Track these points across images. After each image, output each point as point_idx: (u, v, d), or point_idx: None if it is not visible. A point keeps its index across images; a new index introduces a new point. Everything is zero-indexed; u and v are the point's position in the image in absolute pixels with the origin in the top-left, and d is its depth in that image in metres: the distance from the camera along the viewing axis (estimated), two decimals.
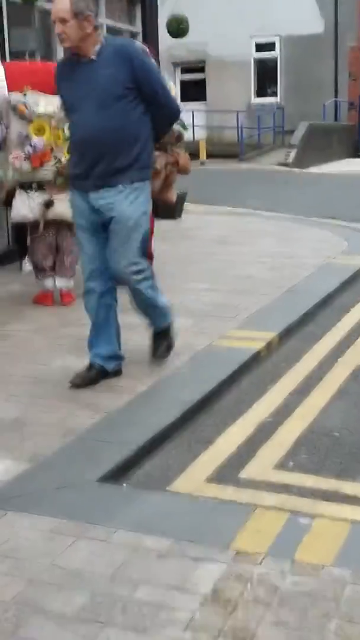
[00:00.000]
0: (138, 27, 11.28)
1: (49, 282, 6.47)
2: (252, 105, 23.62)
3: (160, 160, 6.83)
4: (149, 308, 4.75)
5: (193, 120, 20.06)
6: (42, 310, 6.29)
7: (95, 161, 4.31)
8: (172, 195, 7.50)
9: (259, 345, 5.23)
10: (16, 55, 8.34)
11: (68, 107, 4.47)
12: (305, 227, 10.29)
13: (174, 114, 4.63)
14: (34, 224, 6.27)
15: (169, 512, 3.12)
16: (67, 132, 5.93)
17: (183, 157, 7.20)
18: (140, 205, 4.40)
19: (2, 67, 6.09)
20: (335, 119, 23.27)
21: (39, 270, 6.46)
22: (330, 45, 22.72)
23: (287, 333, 5.64)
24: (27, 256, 7.87)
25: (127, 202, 4.33)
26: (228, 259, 8.23)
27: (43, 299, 6.47)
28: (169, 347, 4.89)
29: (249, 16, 22.40)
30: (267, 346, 5.27)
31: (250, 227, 10.29)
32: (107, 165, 4.29)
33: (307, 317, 6.06)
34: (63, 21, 4.11)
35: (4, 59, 8.03)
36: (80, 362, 4.89)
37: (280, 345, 5.46)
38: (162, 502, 3.26)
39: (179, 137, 7.07)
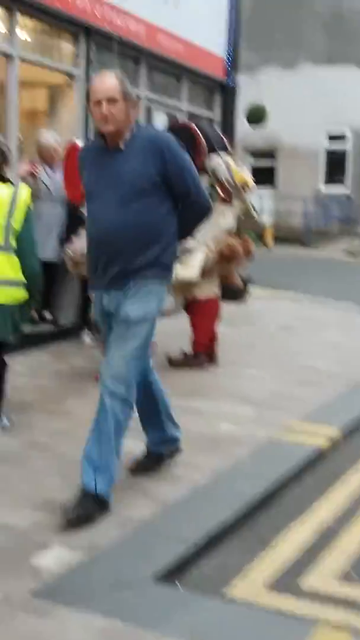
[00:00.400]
0: (217, 114, 11.56)
1: None
2: (320, 193, 23.80)
3: (239, 247, 6.89)
4: (113, 435, 3.97)
5: (261, 205, 20.27)
6: None
7: (111, 260, 3.88)
8: (238, 279, 7.53)
9: (322, 441, 5.09)
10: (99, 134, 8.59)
11: (87, 197, 4.03)
12: None
13: (205, 212, 4.16)
14: None
15: (225, 622, 2.98)
16: None
17: (246, 240, 7.27)
18: (147, 308, 3.90)
19: None
20: None
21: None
22: None
23: (351, 431, 5.49)
24: (86, 328, 7.99)
25: (133, 300, 3.88)
26: (292, 347, 8.14)
27: None
28: (88, 518, 3.77)
29: (322, 108, 22.79)
30: (330, 443, 5.12)
31: (315, 315, 10.21)
32: (124, 265, 3.86)
33: None
34: (112, 101, 3.74)
35: (88, 138, 8.28)
36: (139, 445, 4.82)
37: (344, 443, 5.31)
38: (219, 609, 3.12)
39: (258, 224, 7.17)
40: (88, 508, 3.78)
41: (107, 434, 3.92)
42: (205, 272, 6.93)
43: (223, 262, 6.97)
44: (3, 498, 4.02)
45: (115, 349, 3.90)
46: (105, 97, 3.73)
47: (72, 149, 6.32)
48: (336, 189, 23.91)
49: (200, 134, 6.83)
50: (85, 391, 6.12)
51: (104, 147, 3.90)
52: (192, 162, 4.05)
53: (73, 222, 7.36)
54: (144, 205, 3.83)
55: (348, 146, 23.74)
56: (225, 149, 7.11)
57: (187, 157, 3.99)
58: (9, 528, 3.67)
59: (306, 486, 4.58)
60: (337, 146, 23.96)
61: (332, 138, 23.93)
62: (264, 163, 22.99)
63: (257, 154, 23.10)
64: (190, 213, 4.06)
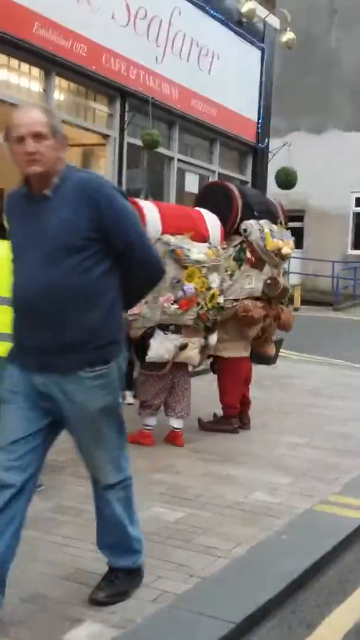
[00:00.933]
0: (248, 177, 11.59)
1: (152, 421, 6.33)
2: (349, 256, 23.76)
3: (258, 310, 6.72)
4: (117, 529, 3.54)
5: (289, 267, 20.24)
6: (133, 450, 6.01)
7: (38, 330, 3.15)
8: (271, 349, 7.36)
9: None
10: (130, 194, 8.60)
11: (13, 255, 3.26)
12: None
13: (154, 273, 3.39)
14: (158, 364, 6.19)
15: None
16: (210, 281, 6.02)
17: (286, 312, 7.09)
18: (107, 396, 3.28)
19: (155, 207, 6.11)
20: None
21: (144, 407, 6.33)
22: None
23: None
24: (127, 390, 7.84)
25: (88, 394, 3.22)
26: (325, 412, 7.92)
27: (143, 437, 6.29)
28: (121, 595, 3.50)
29: (350, 172, 22.90)
30: None
31: (346, 381, 9.99)
32: (53, 337, 3.13)
33: None
34: (39, 137, 3.03)
35: None
36: (171, 514, 4.65)
37: None
38: None
39: (284, 291, 6.97)
40: (118, 585, 3.56)
41: (116, 520, 3.52)
42: (228, 333, 6.78)
43: (241, 324, 6.82)
44: (33, 565, 3.83)
45: (92, 446, 3.41)
46: (31, 133, 3.00)
47: (133, 203, 6.28)
48: None
49: (238, 195, 6.77)
50: None
51: (29, 194, 3.18)
52: (135, 212, 3.34)
53: None
54: (74, 265, 3.08)
55: None
56: (271, 215, 6.99)
57: (128, 205, 3.23)
58: (41, 598, 3.47)
59: (348, 563, 4.34)
60: None
61: None
62: (291, 225, 23.01)
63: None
64: (135, 274, 3.28)
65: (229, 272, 6.65)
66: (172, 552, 4.10)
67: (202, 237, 6.19)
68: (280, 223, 7.05)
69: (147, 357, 6.14)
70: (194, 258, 5.98)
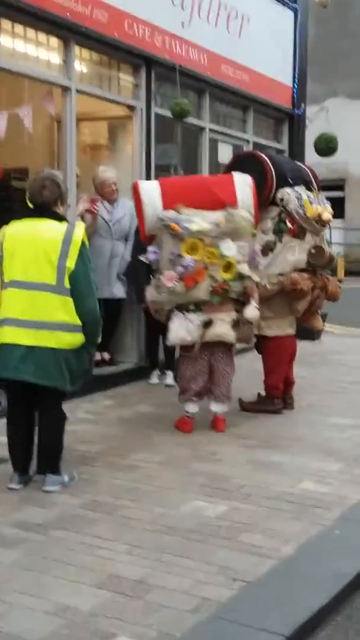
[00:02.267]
0: (285, 145, 11.08)
1: (191, 407, 5.98)
2: None
3: (306, 282, 6.33)
4: None
5: (330, 238, 19.63)
6: (172, 438, 5.75)
7: None
8: (319, 322, 6.95)
9: None
10: (160, 168, 8.21)
11: None
12: None
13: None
14: (187, 346, 5.86)
15: None
16: (222, 249, 5.60)
17: (333, 282, 6.69)
18: None
19: (158, 186, 5.86)
20: None
21: (181, 392, 6.01)
22: None
23: None
24: (157, 370, 7.53)
25: None
26: None
27: (181, 424, 5.98)
28: None
29: None
30: None
31: None
32: None
33: None
34: None
35: (149, 172, 7.91)
36: (213, 508, 4.30)
37: None
38: None
39: (331, 260, 6.57)
40: None
41: None
42: (274, 310, 6.38)
43: (290, 298, 6.41)
44: (62, 571, 3.51)
45: None
46: None
47: (134, 189, 5.93)
48: None
49: (270, 164, 6.36)
50: (151, 442, 5.63)
51: None
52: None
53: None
54: None
55: None
56: (305, 181, 6.58)
57: None
58: (70, 611, 3.15)
59: None
60: None
61: None
62: (332, 194, 22.35)
63: (324, 185, 22.48)
64: None
65: (269, 245, 6.25)
66: (214, 552, 3.76)
67: (220, 203, 5.74)
68: (315, 189, 6.62)
69: (167, 340, 5.83)
70: (194, 229, 5.57)
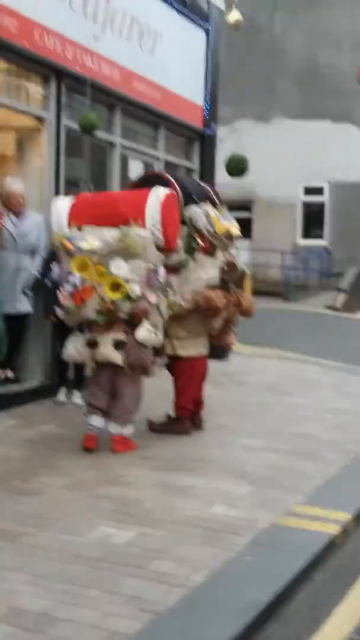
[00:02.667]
0: (195, 164, 11.07)
1: (93, 421, 5.79)
2: (298, 246, 23.45)
3: (220, 299, 6.28)
4: None
5: (238, 257, 19.85)
6: (79, 460, 5.55)
7: None
8: (232, 338, 6.90)
9: (332, 529, 4.40)
10: (70, 182, 8.03)
11: None
12: None
13: None
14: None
15: None
16: (110, 268, 5.49)
17: (247, 298, 6.66)
18: None
19: (68, 203, 5.85)
20: None
21: (87, 405, 5.93)
22: None
23: None
24: (64, 388, 7.34)
25: None
26: (284, 411, 7.48)
27: (84, 439, 5.80)
28: None
29: (298, 161, 22.55)
30: (342, 531, 4.43)
31: (303, 376, 9.58)
32: None
33: None
34: None
35: (58, 185, 7.72)
36: (121, 534, 4.13)
37: (356, 528, 4.62)
38: None
39: (243, 275, 6.55)
40: None
41: None
42: (188, 330, 6.30)
43: (203, 316, 6.34)
44: None
45: None
46: None
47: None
48: (314, 242, 23.58)
49: (176, 184, 6.30)
50: (57, 464, 5.42)
51: None
52: None
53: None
54: None
55: (325, 199, 23.50)
56: (208, 199, 6.55)
57: None
58: None
59: (319, 586, 3.89)
60: (314, 199, 23.70)
61: (309, 191, 23.68)
62: (240, 215, 22.60)
63: (233, 206, 22.71)
64: None
65: (182, 264, 6.16)
66: (123, 581, 3.59)
67: (123, 220, 5.63)
68: (220, 206, 6.61)
69: (64, 355, 5.90)
70: (84, 247, 5.53)
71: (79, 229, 5.65)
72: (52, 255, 7.14)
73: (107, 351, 5.67)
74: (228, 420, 6.96)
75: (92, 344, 5.67)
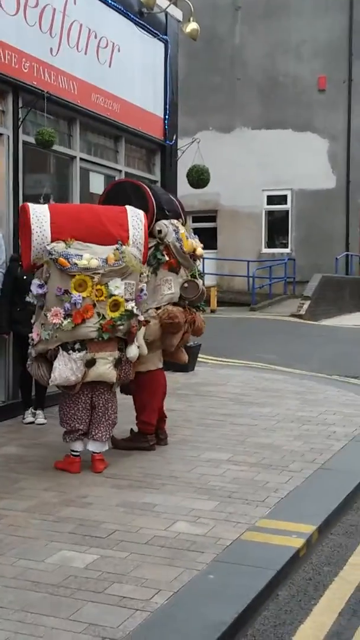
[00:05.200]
0: (157, 176, 11.05)
1: (78, 446, 5.74)
2: (263, 255, 23.53)
3: (182, 316, 6.25)
4: None
5: (203, 268, 19.85)
6: (40, 482, 5.45)
7: None
8: (185, 356, 6.84)
9: (296, 542, 4.36)
10: (31, 198, 7.94)
11: None
12: (328, 387, 9.57)
13: None
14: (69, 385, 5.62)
15: None
16: (110, 288, 5.44)
17: (198, 317, 6.60)
18: None
19: (48, 212, 5.56)
20: (347, 272, 23.10)
21: (67, 431, 5.75)
22: (341, 201, 22.81)
23: (326, 525, 4.79)
24: (30, 408, 7.22)
25: None
26: (248, 422, 7.45)
27: (69, 464, 5.71)
28: None
29: (262, 170, 22.69)
30: (305, 543, 4.40)
31: (268, 385, 9.57)
32: None
33: (346, 504, 5.23)
34: None
35: (17, 201, 7.63)
36: (81, 557, 4.06)
37: (320, 541, 4.60)
38: None
39: (202, 294, 6.50)
40: None
41: None
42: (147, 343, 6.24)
43: (165, 332, 6.29)
44: None
45: None
46: None
47: (22, 211, 5.64)
48: (279, 250, 23.69)
49: (151, 195, 6.25)
50: (18, 487, 5.32)
51: None
52: None
53: (18, 293, 6.72)
54: None
55: (288, 207, 23.62)
56: (177, 215, 6.51)
57: None
58: None
59: (283, 602, 3.85)
60: (277, 207, 23.82)
61: (272, 199, 23.80)
62: (204, 225, 22.64)
63: (196, 216, 22.76)
64: None
65: (145, 279, 6.10)
66: (82, 607, 3.52)
67: (112, 238, 5.62)
68: (183, 223, 6.57)
69: (51, 379, 5.53)
70: (82, 265, 5.40)
71: (66, 243, 5.47)
72: (9, 271, 7.07)
73: (104, 369, 5.59)
74: (192, 434, 6.92)
75: (91, 363, 5.53)
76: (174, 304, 6.29)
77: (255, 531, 4.51)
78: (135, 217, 5.79)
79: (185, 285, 6.35)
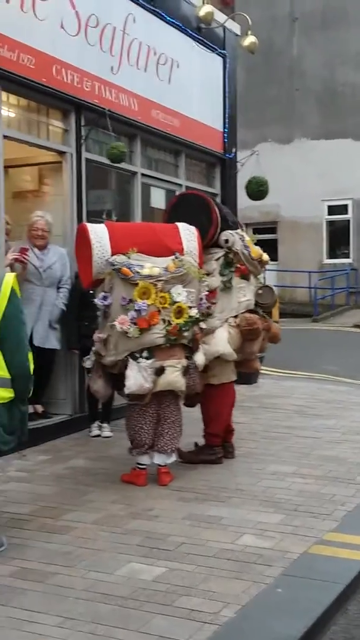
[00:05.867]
0: (217, 189, 11.10)
1: (145, 459, 5.80)
2: (325, 265, 23.35)
3: (259, 322, 6.28)
4: None
5: (265, 280, 19.81)
6: (108, 494, 5.52)
7: None
8: (258, 364, 6.88)
9: None
10: (93, 214, 8.08)
11: None
12: None
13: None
14: (138, 395, 5.66)
15: None
16: (173, 294, 5.54)
17: (273, 324, 6.63)
18: None
19: (105, 229, 5.75)
20: None
21: (135, 445, 5.80)
22: None
23: None
24: (96, 421, 7.32)
25: None
26: (313, 434, 7.39)
27: (135, 477, 5.77)
28: None
29: (321, 180, 22.52)
30: None
31: (332, 397, 9.48)
32: None
33: None
34: None
35: (81, 218, 7.76)
36: (150, 570, 4.10)
37: None
38: None
39: (274, 302, 6.56)
40: None
41: None
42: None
43: (244, 340, 6.32)
44: None
45: None
46: None
47: (81, 230, 5.81)
48: (340, 260, 23.47)
49: (215, 207, 6.33)
50: (86, 499, 5.40)
51: None
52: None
53: (85, 308, 6.81)
54: None
55: (349, 217, 23.40)
56: (237, 226, 6.59)
57: None
58: None
59: (353, 617, 3.81)
60: (338, 217, 23.62)
61: (333, 209, 23.62)
62: (265, 237, 22.59)
63: (256, 227, 22.74)
64: None
65: (221, 286, 6.18)
66: (151, 620, 3.55)
67: (168, 250, 5.74)
68: (246, 233, 6.67)
69: (126, 388, 5.59)
70: (145, 273, 5.51)
71: (126, 254, 5.58)
72: (75, 287, 7.20)
73: (173, 378, 5.64)
74: (257, 446, 6.90)
75: (160, 372, 5.59)
76: (250, 311, 6.33)
77: (322, 545, 4.48)
78: (187, 231, 5.95)
79: (260, 291, 6.40)
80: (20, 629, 3.45)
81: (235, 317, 6.28)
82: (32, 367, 4.39)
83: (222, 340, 6.15)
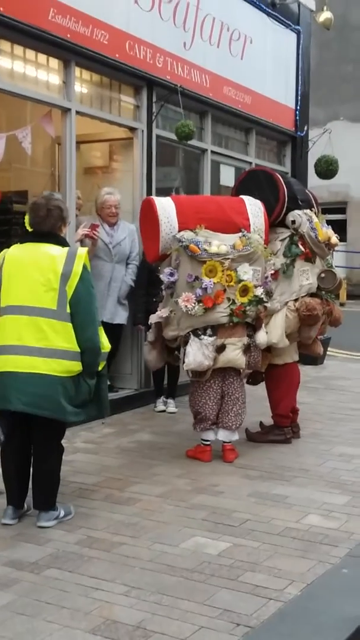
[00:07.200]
0: (287, 168, 10.98)
1: (210, 435, 5.81)
2: None
3: (319, 307, 6.18)
4: None
5: (332, 260, 19.55)
6: (173, 468, 5.56)
7: None
8: (319, 347, 6.78)
9: None
10: (162, 191, 8.08)
11: None
12: None
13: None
14: (199, 372, 5.69)
15: None
16: (239, 273, 5.51)
17: (336, 308, 6.53)
18: None
19: (172, 203, 5.71)
20: None
21: (199, 420, 5.82)
22: None
23: None
24: (162, 397, 7.38)
25: None
26: None
27: (200, 453, 5.80)
28: None
29: None
30: None
31: None
32: None
33: None
34: None
35: (150, 195, 7.77)
36: (214, 545, 4.11)
37: None
38: None
39: (340, 284, 6.42)
40: None
41: None
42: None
43: (302, 324, 6.24)
44: (55, 615, 3.32)
45: None
46: None
47: (147, 204, 5.79)
48: None
49: (282, 182, 6.21)
50: (151, 472, 5.44)
51: None
52: None
53: (152, 284, 6.83)
54: None
55: None
56: (310, 206, 6.44)
57: None
58: None
59: None
60: None
61: None
62: (334, 217, 22.28)
63: (326, 208, 22.41)
64: None
65: (283, 269, 6.07)
66: (216, 593, 3.56)
67: (235, 227, 5.68)
68: (316, 213, 6.48)
69: (185, 364, 5.61)
70: (213, 251, 5.48)
71: (194, 231, 5.57)
72: (143, 264, 7.22)
73: (234, 355, 5.64)
74: (323, 427, 6.85)
75: (221, 349, 5.60)
76: (312, 295, 6.23)
77: None
78: (254, 205, 5.87)
79: (322, 275, 6.27)
80: (87, 595, 3.51)
81: (296, 300, 6.18)
82: (105, 342, 4.43)
83: (277, 329, 6.04)
